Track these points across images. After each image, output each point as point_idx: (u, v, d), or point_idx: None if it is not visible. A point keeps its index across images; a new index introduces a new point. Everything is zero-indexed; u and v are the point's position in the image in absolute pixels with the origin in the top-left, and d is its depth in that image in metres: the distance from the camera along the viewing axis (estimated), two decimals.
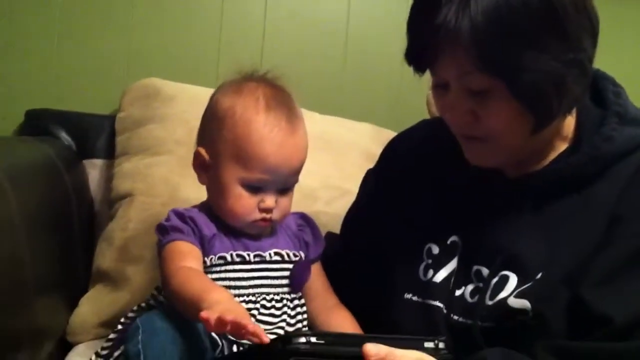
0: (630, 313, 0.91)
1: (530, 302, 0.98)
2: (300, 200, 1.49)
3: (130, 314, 1.11)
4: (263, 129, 1.05)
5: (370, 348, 0.82)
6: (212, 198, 1.11)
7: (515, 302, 0.99)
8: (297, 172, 1.10)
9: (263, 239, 1.11)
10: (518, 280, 1.00)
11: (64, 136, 1.62)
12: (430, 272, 1.09)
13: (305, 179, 1.53)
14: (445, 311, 1.05)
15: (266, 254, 1.10)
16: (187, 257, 1.03)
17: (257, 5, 1.78)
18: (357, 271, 1.22)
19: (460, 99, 0.96)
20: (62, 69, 1.70)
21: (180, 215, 1.08)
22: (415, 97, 1.57)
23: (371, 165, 1.33)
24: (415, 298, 1.09)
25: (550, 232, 1.00)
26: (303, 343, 0.82)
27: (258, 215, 1.08)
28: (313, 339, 0.83)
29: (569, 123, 1.04)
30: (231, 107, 1.07)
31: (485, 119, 0.96)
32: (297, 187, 1.51)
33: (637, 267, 0.94)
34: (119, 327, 1.11)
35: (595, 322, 0.92)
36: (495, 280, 1.02)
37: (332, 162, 1.59)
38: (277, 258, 1.10)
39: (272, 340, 0.87)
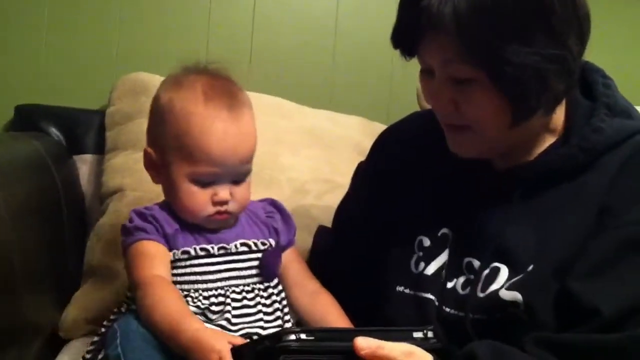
0: (618, 304, 0.91)
1: (521, 294, 0.98)
2: (290, 194, 1.50)
3: (112, 317, 1.10)
4: (204, 122, 1.03)
5: (361, 342, 0.82)
6: (167, 196, 1.10)
7: (506, 295, 0.99)
8: (246, 160, 1.07)
9: (227, 230, 1.09)
10: (509, 272, 1.00)
11: (54, 131, 1.62)
12: (422, 264, 1.08)
13: (295, 173, 1.55)
14: (437, 304, 1.05)
15: (231, 246, 1.08)
16: (154, 260, 1.02)
17: None
18: (349, 265, 1.22)
19: (442, 87, 0.97)
20: (52, 65, 1.70)
21: (141, 214, 1.06)
22: (405, 90, 1.58)
23: (362, 158, 1.33)
24: (407, 291, 1.09)
25: (540, 223, 1.00)
26: (293, 340, 0.81)
27: (212, 209, 1.06)
28: (303, 336, 0.82)
29: (559, 116, 1.04)
30: (170, 102, 1.06)
31: (465, 107, 0.96)
32: (287, 181, 1.52)
33: (624, 258, 0.94)
34: (102, 330, 1.09)
35: (585, 314, 0.92)
36: (486, 272, 1.02)
37: (323, 156, 1.59)
38: (244, 249, 1.08)
39: (261, 337, 0.86)
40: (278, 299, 1.10)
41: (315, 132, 1.62)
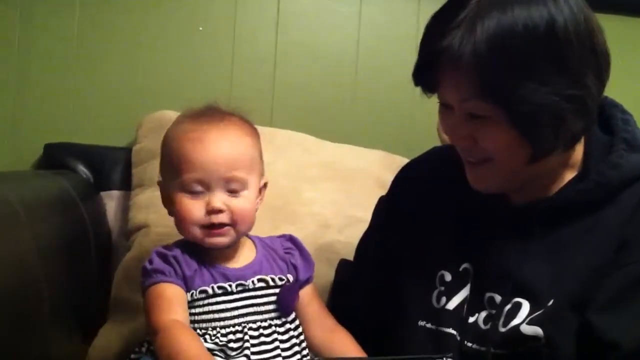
0: (634, 337, 0.91)
1: (542, 329, 0.98)
2: (313, 229, 1.51)
3: (132, 356, 1.11)
4: (185, 134, 1.07)
5: None
6: (175, 224, 1.10)
7: (527, 329, 0.99)
8: (234, 166, 1.06)
9: (245, 267, 1.10)
10: (530, 307, 1.01)
11: (82, 169, 1.65)
12: (444, 299, 1.09)
13: (318, 207, 1.55)
14: (458, 338, 1.05)
15: (248, 282, 1.08)
16: (172, 305, 1.02)
17: (267, 37, 1.80)
18: (371, 298, 1.23)
19: (461, 123, 0.99)
20: (79, 103, 1.73)
21: (163, 255, 1.07)
22: (425, 123, 1.58)
23: (383, 191, 1.34)
24: (429, 325, 1.09)
25: (558, 257, 1.01)
26: None
27: (206, 220, 1.05)
28: None
29: (577, 152, 1.05)
30: (166, 133, 1.11)
31: (483, 142, 0.98)
32: (310, 216, 1.52)
33: (635, 296, 0.95)
34: None
35: (604, 348, 0.92)
36: (508, 307, 1.02)
37: (344, 190, 1.60)
38: (262, 284, 1.09)
39: None
40: (295, 334, 1.10)
41: (336, 166, 1.62)
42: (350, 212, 1.56)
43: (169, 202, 1.09)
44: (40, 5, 1.71)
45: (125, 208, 1.62)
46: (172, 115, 1.60)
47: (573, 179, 1.05)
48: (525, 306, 1.01)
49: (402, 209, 1.23)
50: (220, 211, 1.05)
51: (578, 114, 0.95)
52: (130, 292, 1.43)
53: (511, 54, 0.91)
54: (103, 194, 1.65)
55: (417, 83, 1.02)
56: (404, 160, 1.46)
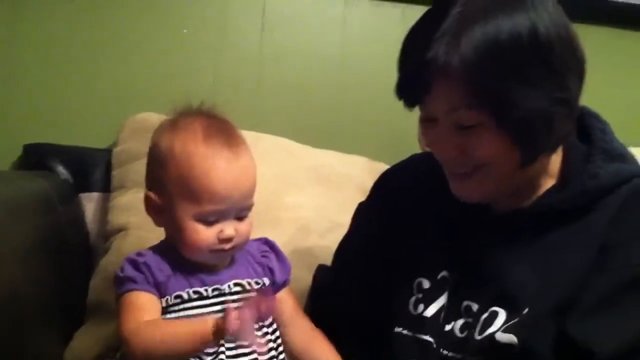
0: (617, 345, 0.92)
1: (516, 337, 0.99)
2: (294, 233, 1.51)
3: None
4: (205, 162, 1.04)
5: None
6: (172, 237, 1.09)
7: (502, 337, 1.00)
8: (249, 195, 1.08)
9: (221, 271, 1.09)
10: (507, 316, 1.01)
11: (61, 170, 1.63)
12: (421, 306, 1.09)
13: (299, 212, 1.55)
14: (435, 346, 1.06)
15: (224, 287, 1.07)
16: (143, 312, 1.01)
17: (252, 41, 1.80)
18: (348, 303, 1.23)
19: (448, 134, 0.98)
20: (60, 104, 1.72)
21: (133, 262, 1.06)
22: (408, 130, 1.57)
23: (365, 197, 1.34)
24: (405, 332, 1.10)
25: (539, 265, 1.02)
26: None
27: (218, 246, 1.06)
28: None
29: (555, 160, 1.06)
30: (170, 146, 1.06)
31: (473, 151, 0.98)
32: (291, 220, 1.52)
33: (624, 298, 0.96)
34: None
35: (584, 354, 0.93)
36: (484, 316, 1.03)
37: (327, 195, 1.60)
38: (238, 289, 1.08)
39: None
40: (272, 337, 1.09)
41: (319, 172, 1.63)
42: (332, 218, 1.56)
43: (173, 221, 1.07)
44: (25, 6, 1.70)
45: (104, 210, 1.61)
46: (154, 117, 1.60)
47: (553, 187, 1.06)
48: (502, 315, 1.02)
49: (381, 215, 1.23)
50: (232, 239, 1.06)
51: (565, 116, 0.97)
52: (107, 295, 1.41)
53: (499, 61, 0.91)
54: (82, 195, 1.64)
55: (400, 97, 1.01)
56: (386, 167, 1.46)
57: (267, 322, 1.10)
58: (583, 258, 1.00)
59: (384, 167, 1.56)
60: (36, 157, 1.64)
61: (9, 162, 1.69)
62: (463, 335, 1.04)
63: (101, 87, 1.73)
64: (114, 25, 1.74)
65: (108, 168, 1.63)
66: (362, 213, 1.30)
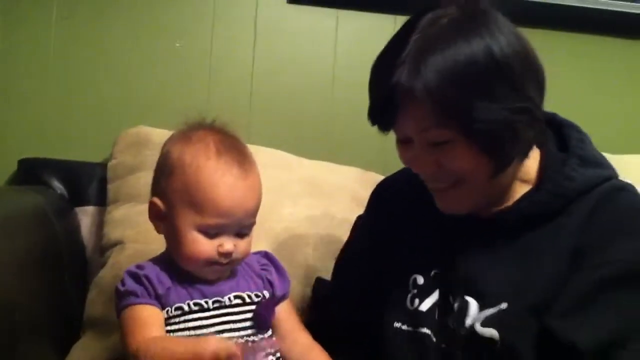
0: (596, 340, 0.96)
1: (497, 331, 1.03)
2: (289, 244, 1.51)
3: None
4: (214, 175, 1.05)
5: None
6: (170, 246, 1.10)
7: (484, 331, 1.05)
8: (252, 214, 1.09)
9: (221, 283, 1.10)
10: (478, 305, 1.06)
11: (56, 184, 1.63)
12: (417, 301, 1.13)
13: (294, 224, 1.55)
14: (434, 339, 1.10)
15: (225, 299, 1.08)
16: (147, 326, 1.02)
17: (245, 52, 1.81)
18: (350, 313, 1.25)
19: (423, 152, 1.04)
20: (54, 119, 1.73)
21: (134, 275, 1.07)
22: None
23: (359, 208, 1.36)
24: (404, 327, 1.14)
25: (517, 265, 1.07)
26: None
27: (217, 259, 1.06)
28: None
29: (532, 167, 1.12)
30: (181, 156, 1.08)
31: (449, 165, 1.03)
32: (286, 231, 1.53)
33: (601, 295, 1.00)
34: None
35: (564, 350, 0.97)
36: (457, 304, 1.08)
37: (320, 206, 1.61)
38: (238, 301, 1.09)
39: None
40: (272, 350, 1.09)
41: (313, 183, 1.63)
42: (327, 229, 1.57)
43: (174, 230, 1.08)
44: (18, 19, 1.71)
45: (100, 224, 1.61)
46: (149, 131, 1.62)
47: (529, 191, 1.10)
48: (473, 304, 1.07)
49: (378, 225, 1.27)
50: (231, 254, 1.07)
51: (528, 124, 1.02)
52: (105, 309, 1.42)
53: (459, 82, 0.97)
54: (78, 209, 1.64)
55: (373, 122, 1.07)
56: (379, 177, 1.48)
57: (266, 335, 1.11)
58: (558, 260, 1.04)
59: (376, 177, 1.58)
60: (31, 172, 1.64)
61: (4, 177, 1.69)
62: (453, 328, 1.08)
63: (95, 101, 1.74)
64: (108, 39, 1.75)
65: (103, 182, 1.63)
66: (361, 225, 1.34)
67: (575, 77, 1.93)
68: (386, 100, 1.01)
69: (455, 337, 1.07)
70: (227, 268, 1.10)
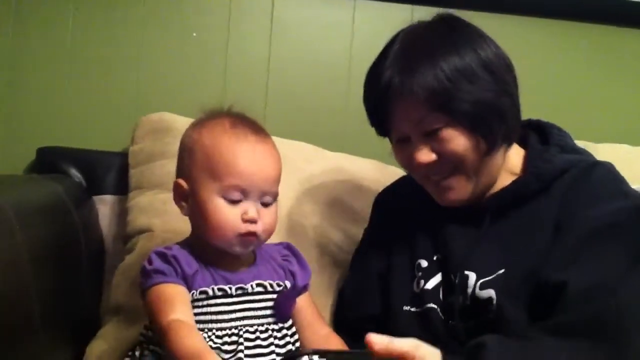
0: (586, 280, 1.02)
1: (495, 291, 1.12)
2: (313, 238, 1.51)
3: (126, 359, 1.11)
4: (230, 140, 1.09)
5: (373, 337, 0.88)
6: (197, 223, 1.12)
7: (482, 293, 1.13)
8: (273, 180, 1.11)
9: (244, 271, 1.12)
10: (477, 276, 1.15)
11: (74, 173, 1.64)
12: (422, 282, 1.23)
13: (317, 219, 1.55)
14: (441, 315, 1.17)
15: (248, 286, 1.09)
16: (174, 304, 1.02)
17: (260, 45, 1.81)
18: (365, 301, 1.32)
19: (421, 143, 1.15)
20: (72, 107, 1.73)
21: (162, 255, 1.08)
22: None
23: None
24: (413, 309, 1.21)
25: (507, 241, 1.16)
26: None
27: (243, 228, 1.08)
28: (315, 357, 0.87)
29: (517, 160, 1.24)
30: (200, 137, 1.11)
31: (445, 149, 1.14)
32: (309, 225, 1.52)
33: (589, 247, 1.07)
34: None
35: (555, 291, 1.03)
36: (457, 280, 1.17)
37: (341, 201, 1.60)
38: (260, 289, 1.10)
39: None
40: (292, 340, 1.12)
41: (335, 176, 1.63)
42: (347, 223, 1.57)
43: (198, 204, 1.09)
44: (34, 9, 1.71)
45: (118, 213, 1.62)
46: (170, 117, 1.61)
47: (514, 180, 1.21)
48: (472, 276, 1.15)
49: (384, 227, 1.37)
50: (255, 221, 1.08)
51: (511, 105, 1.15)
52: (131, 296, 1.41)
53: (446, 72, 1.10)
54: (96, 198, 1.64)
55: (372, 125, 1.22)
56: (396, 170, 1.50)
57: (287, 325, 1.12)
58: (544, 233, 1.13)
59: (393, 170, 1.59)
60: (49, 161, 1.65)
61: (22, 165, 1.70)
62: (455, 302, 1.16)
63: (113, 90, 1.75)
64: (125, 28, 1.75)
65: (121, 171, 1.63)
66: (368, 238, 1.42)
67: (595, 69, 1.92)
68: (381, 102, 1.14)
69: (457, 312, 1.15)
70: (254, 242, 1.10)
